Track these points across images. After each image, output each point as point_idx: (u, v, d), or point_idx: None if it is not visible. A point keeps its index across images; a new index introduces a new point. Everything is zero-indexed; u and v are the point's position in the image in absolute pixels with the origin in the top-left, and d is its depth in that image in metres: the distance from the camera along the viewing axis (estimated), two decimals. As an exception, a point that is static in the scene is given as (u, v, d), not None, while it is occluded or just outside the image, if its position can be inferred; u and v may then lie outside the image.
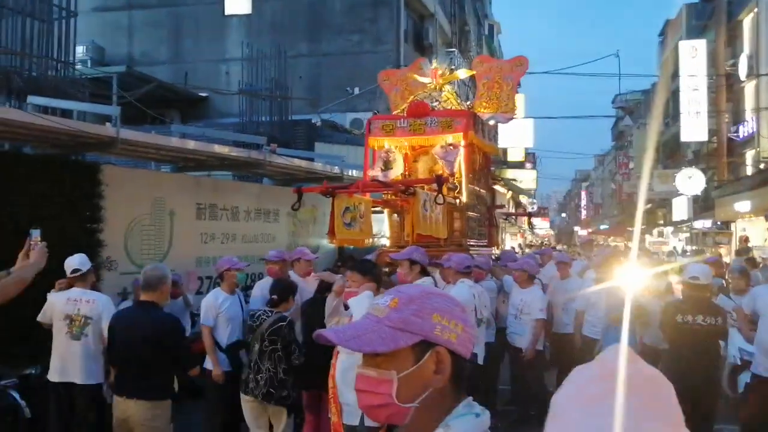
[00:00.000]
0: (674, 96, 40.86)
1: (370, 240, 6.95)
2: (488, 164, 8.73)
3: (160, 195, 9.74)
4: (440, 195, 6.18)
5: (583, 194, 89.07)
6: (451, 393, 1.40)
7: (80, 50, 19.20)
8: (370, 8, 19.67)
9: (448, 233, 7.10)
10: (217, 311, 6.25)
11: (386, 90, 9.10)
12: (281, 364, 5.26)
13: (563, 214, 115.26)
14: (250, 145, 10.12)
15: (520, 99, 37.84)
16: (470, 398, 1.42)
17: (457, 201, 7.35)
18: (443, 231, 6.93)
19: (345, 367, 3.99)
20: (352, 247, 8.86)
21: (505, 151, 36.40)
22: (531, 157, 43.11)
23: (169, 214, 9.99)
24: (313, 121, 16.32)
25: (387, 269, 7.41)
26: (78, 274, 5.52)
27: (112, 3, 21.32)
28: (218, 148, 8.93)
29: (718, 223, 26.70)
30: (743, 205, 22.98)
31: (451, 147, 7.21)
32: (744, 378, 7.00)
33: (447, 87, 7.99)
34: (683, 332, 6.13)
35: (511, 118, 8.47)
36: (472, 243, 7.73)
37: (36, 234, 4.03)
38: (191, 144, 8.57)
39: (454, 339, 1.38)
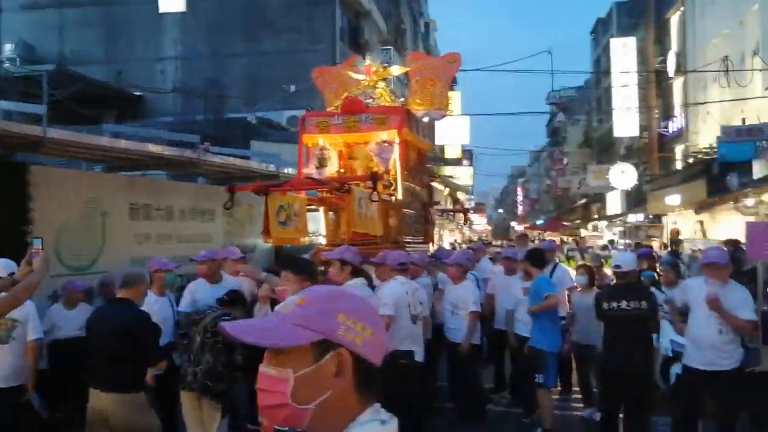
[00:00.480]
0: (607, 93, 42.04)
1: (306, 238, 6.93)
2: (424, 161, 8.81)
3: (92, 195, 9.49)
4: (375, 192, 6.21)
5: (519, 190, 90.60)
6: (356, 399, 1.36)
7: (8, 48, 18.64)
8: (306, 7, 19.61)
9: (384, 231, 7.14)
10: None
11: (320, 87, 9.07)
12: (221, 357, 5.23)
13: (500, 210, 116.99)
14: (185, 144, 9.97)
15: (456, 96, 38.41)
16: (378, 405, 1.39)
17: (393, 198, 7.39)
18: (379, 228, 6.96)
19: None
20: (289, 246, 8.83)
21: (442, 148, 36.78)
22: (468, 154, 43.61)
23: (102, 215, 9.74)
24: (248, 120, 16.17)
25: (323, 268, 7.43)
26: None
27: (42, 1, 20.67)
28: (151, 147, 8.76)
29: (650, 216, 27.52)
30: (674, 199, 23.65)
31: (386, 144, 7.25)
32: (676, 370, 7.17)
33: (381, 84, 8.03)
34: (611, 319, 6.34)
35: (445, 115, 8.58)
36: (408, 240, 7.79)
37: (37, 243, 4.30)
38: (122, 143, 8.39)
39: (359, 342, 1.34)
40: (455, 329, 7.46)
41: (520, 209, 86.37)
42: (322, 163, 7.44)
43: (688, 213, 23.37)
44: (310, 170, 7.36)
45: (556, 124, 64.65)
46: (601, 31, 45.21)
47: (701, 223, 22.78)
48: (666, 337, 7.94)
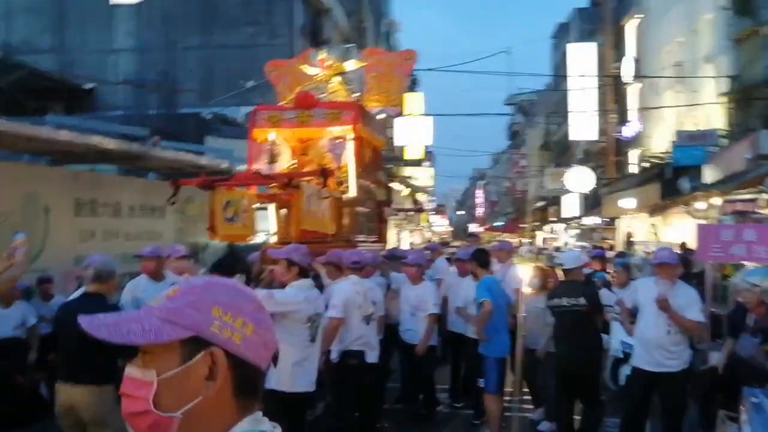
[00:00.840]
0: (566, 97, 42.44)
1: (254, 236, 6.72)
2: (378, 159, 8.66)
3: (33, 189, 9.13)
4: (325, 189, 6.05)
5: (479, 192, 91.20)
6: (233, 406, 1.19)
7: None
8: (265, 1, 19.30)
9: (335, 229, 6.98)
10: None
11: (274, 81, 8.88)
12: None
13: (460, 212, 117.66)
14: (134, 137, 9.65)
15: (418, 97, 38.40)
16: (259, 413, 1.22)
17: (345, 195, 7.23)
18: (330, 226, 6.80)
19: None
20: (243, 244, 8.56)
21: (402, 148, 36.69)
22: (430, 155, 43.61)
23: (44, 210, 9.39)
24: (203, 115, 15.82)
25: (272, 268, 7.22)
26: None
27: (-13, -14, 19.97)
28: (95, 140, 8.43)
29: (606, 219, 27.88)
30: (628, 202, 23.96)
31: (339, 140, 7.10)
32: (626, 371, 7.19)
33: (336, 78, 7.87)
34: (555, 315, 6.45)
35: (400, 112, 8.47)
36: (361, 239, 7.64)
37: (20, 236, 4.35)
38: (65, 135, 8.05)
39: (238, 340, 1.17)
40: (412, 331, 7.32)
41: (479, 211, 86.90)
42: (273, 159, 7.24)
43: (642, 216, 23.70)
44: (261, 166, 7.16)
45: (516, 127, 65.21)
46: (562, 35, 45.66)
47: (654, 225, 23.17)
48: (616, 338, 7.95)
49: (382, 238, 8.79)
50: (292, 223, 7.07)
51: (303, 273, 5.01)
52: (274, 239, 7.44)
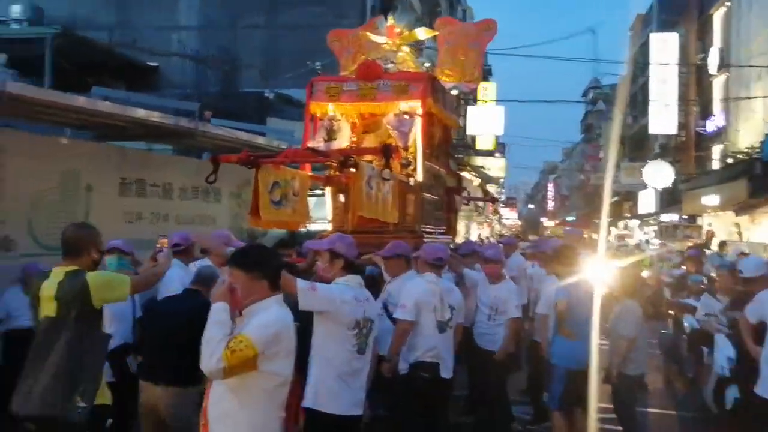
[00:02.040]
0: (643, 89, 40.47)
1: (306, 223, 5.83)
2: (449, 140, 7.66)
3: (74, 166, 8.48)
4: (388, 170, 5.09)
5: (551, 186, 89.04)
6: None
7: (16, 10, 17.68)
8: (332, -22, 18.47)
9: (398, 217, 6.02)
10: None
11: (336, 52, 7.99)
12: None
13: (531, 206, 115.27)
14: (184, 113, 8.90)
15: (491, 87, 37.09)
16: None
17: (411, 180, 6.26)
18: (393, 214, 5.85)
19: (214, 400, 3.00)
20: (305, 230, 7.67)
21: (474, 138, 35.45)
22: (501, 146, 42.22)
23: (86, 189, 8.74)
24: (265, 95, 15.08)
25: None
26: None
27: (55, -38, 19.72)
28: (140, 113, 7.69)
29: (685, 216, 26.24)
30: (711, 199, 22.54)
31: (406, 116, 6.12)
32: (733, 394, 6.14)
33: (405, 48, 6.90)
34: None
35: (475, 89, 7.45)
36: (427, 230, 6.66)
37: (166, 239, 4.82)
38: (103, 105, 7.32)
39: None
40: (490, 336, 6.35)
41: (550, 205, 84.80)
42: (330, 136, 6.34)
43: (725, 214, 22.29)
44: (318, 143, 6.26)
45: (590, 120, 63.09)
46: (639, 27, 43.48)
47: (738, 225, 21.65)
48: (722, 353, 6.75)
49: (450, 230, 7.78)
50: (349, 209, 6.17)
51: (350, 267, 4.08)
52: (329, 228, 6.57)
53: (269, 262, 3.15)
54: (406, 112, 6.16)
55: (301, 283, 3.81)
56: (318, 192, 8.16)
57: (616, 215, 44.23)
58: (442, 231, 7.31)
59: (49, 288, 3.73)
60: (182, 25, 18.16)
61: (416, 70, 6.74)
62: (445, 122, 7.14)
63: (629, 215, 40.97)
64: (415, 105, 6.18)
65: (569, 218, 57.65)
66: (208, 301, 4.18)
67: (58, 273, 3.80)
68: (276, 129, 13.02)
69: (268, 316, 2.99)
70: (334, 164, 6.20)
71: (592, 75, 64.07)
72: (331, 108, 6.51)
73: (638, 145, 42.43)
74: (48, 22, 17.21)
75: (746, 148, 21.56)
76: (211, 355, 2.84)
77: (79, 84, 13.14)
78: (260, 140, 9.95)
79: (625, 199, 42.20)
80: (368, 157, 6.18)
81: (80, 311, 3.68)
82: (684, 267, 10.28)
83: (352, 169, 5.12)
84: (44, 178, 8.00)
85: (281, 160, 5.07)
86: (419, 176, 6.29)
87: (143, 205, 9.69)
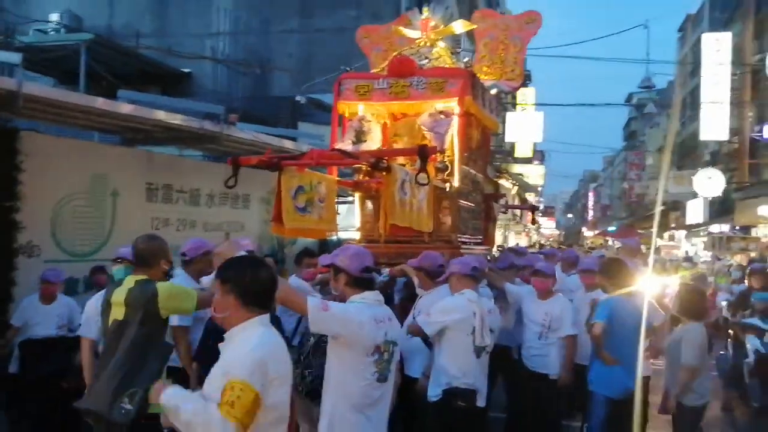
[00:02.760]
0: (692, 94, 39.20)
1: (334, 232, 5.35)
2: (488, 143, 7.11)
3: (101, 171, 8.21)
4: (424, 173, 4.58)
5: (591, 195, 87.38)
6: None
7: (55, 17, 17.72)
8: (369, -19, 18.07)
9: (433, 226, 5.52)
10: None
11: (365, 50, 7.52)
12: None
13: (569, 215, 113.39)
14: (210, 116, 8.53)
15: (530, 92, 36.30)
16: None
17: (448, 185, 5.74)
18: (428, 223, 5.34)
19: None
20: (335, 238, 7.22)
21: (512, 145, 34.71)
22: (539, 154, 41.32)
23: (112, 194, 8.47)
24: (297, 99, 14.72)
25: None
26: None
27: (94, -29, 19.76)
28: (161, 115, 7.34)
29: (736, 227, 25.12)
30: (768, 210, 21.44)
31: (443, 116, 5.60)
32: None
33: (441, 44, 6.39)
34: None
35: (517, 88, 6.89)
36: (464, 239, 6.13)
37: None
38: (125, 108, 6.98)
39: None
40: (541, 357, 5.78)
41: (590, 214, 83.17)
42: (360, 138, 5.85)
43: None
44: (346, 145, 5.78)
45: (634, 126, 61.65)
46: (689, 27, 42.20)
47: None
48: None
49: (488, 240, 7.22)
50: (379, 217, 5.69)
51: (360, 283, 3.57)
52: (358, 237, 6.10)
53: (242, 275, 2.72)
54: (442, 112, 5.64)
55: (311, 302, 3.33)
56: (349, 199, 7.71)
57: (662, 226, 42.93)
58: (479, 241, 6.77)
59: (119, 294, 3.84)
60: (216, 31, 17.95)
61: (453, 66, 6.23)
62: (485, 123, 6.60)
63: (675, 226, 39.64)
64: (453, 104, 5.66)
65: (610, 229, 56.27)
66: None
67: (129, 281, 3.92)
68: (306, 133, 12.64)
69: (244, 344, 2.55)
70: (364, 167, 5.77)
71: (637, 78, 62.67)
72: (360, 108, 6.03)
73: (687, 153, 41.13)
74: (86, 30, 17.20)
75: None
76: (208, 426, 2.42)
77: (113, 91, 13.01)
78: (288, 144, 9.56)
79: (672, 208, 40.89)
80: (401, 160, 5.70)
81: (146, 317, 3.75)
82: (746, 282, 9.53)
83: (384, 173, 4.62)
84: (69, 182, 7.75)
85: (305, 162, 4.59)
86: (456, 182, 5.76)
87: (170, 211, 9.41)
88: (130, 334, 3.72)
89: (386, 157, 4.58)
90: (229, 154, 10.70)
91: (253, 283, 2.72)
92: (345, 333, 3.36)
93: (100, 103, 6.69)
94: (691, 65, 37.67)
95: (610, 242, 47.37)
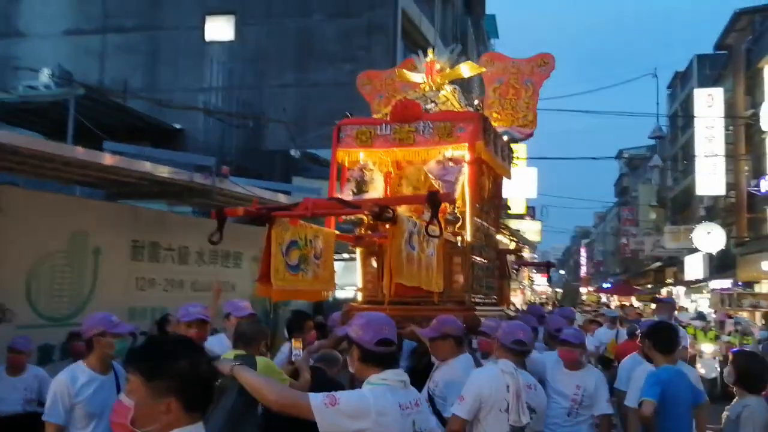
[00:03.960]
0: (684, 149, 39.28)
1: (330, 292, 4.78)
2: (500, 193, 6.63)
3: (82, 227, 7.66)
4: (435, 224, 4.05)
5: (583, 251, 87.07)
6: None
7: (45, 73, 17.43)
8: (364, 36, 17.90)
9: (444, 285, 4.96)
10: (73, 401, 4.00)
11: (367, 97, 7.10)
12: None
13: (561, 271, 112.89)
14: (201, 169, 8.05)
15: (520, 148, 36.10)
16: None
17: (459, 239, 5.21)
18: (438, 281, 4.78)
19: None
20: (331, 298, 6.65)
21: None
22: (531, 210, 40.94)
23: (94, 252, 7.90)
24: (291, 153, 14.31)
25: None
26: None
27: (85, 26, 19.60)
28: (147, 166, 6.83)
29: (739, 283, 24.63)
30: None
31: (452, 162, 5.12)
32: None
33: (447, 88, 5.96)
34: None
35: (530, 135, 6.44)
36: (478, 300, 5.56)
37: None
38: (108, 159, 6.48)
39: None
40: None
41: (583, 271, 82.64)
42: (361, 188, 5.35)
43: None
44: (345, 197, 5.26)
45: (625, 183, 61.74)
46: (679, 84, 42.59)
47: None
48: None
49: (503, 299, 6.65)
50: (384, 274, 5.14)
51: (385, 360, 2.96)
52: (359, 298, 5.53)
53: (174, 365, 1.94)
54: (451, 159, 5.15)
55: (313, 400, 2.73)
56: (344, 256, 7.17)
57: (659, 282, 42.45)
58: (493, 301, 6.20)
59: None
60: (210, 86, 17.67)
61: (462, 110, 5.78)
62: (497, 172, 6.12)
63: (673, 282, 39.13)
64: (463, 149, 5.17)
65: (605, 285, 55.61)
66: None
67: (229, 354, 4.09)
68: (301, 187, 12.18)
69: None
70: (366, 219, 5.25)
71: (627, 133, 63.07)
72: (361, 156, 5.55)
73: (681, 208, 40.96)
74: (77, 86, 16.89)
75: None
76: None
77: (101, 146, 12.58)
78: (283, 199, 9.06)
79: (668, 264, 40.48)
80: (404, 211, 5.18)
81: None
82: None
83: (389, 224, 4.08)
84: (47, 239, 7.19)
85: (300, 213, 4.05)
86: (468, 236, 5.23)
87: (157, 271, 8.82)
88: (228, 401, 3.67)
89: (391, 206, 4.03)
90: (213, 207, 10.22)
91: (195, 377, 1.98)
92: (363, 427, 2.73)
93: (80, 153, 6.17)
94: (683, 120, 37.81)
95: (603, 299, 46.78)
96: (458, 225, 5.19)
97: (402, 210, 5.02)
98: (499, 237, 6.94)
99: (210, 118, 14.28)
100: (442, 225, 4.63)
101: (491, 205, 6.09)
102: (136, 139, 15.57)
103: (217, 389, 3.28)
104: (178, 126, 16.91)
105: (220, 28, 18.44)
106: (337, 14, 18.15)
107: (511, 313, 6.69)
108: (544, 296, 47.18)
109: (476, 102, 5.69)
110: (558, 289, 52.37)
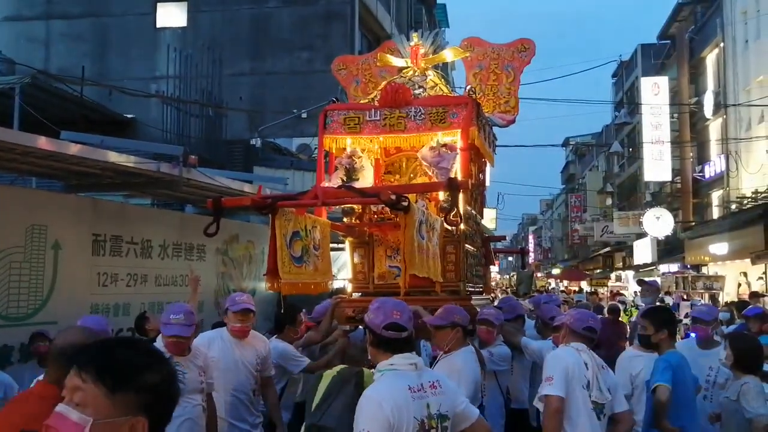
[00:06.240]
0: (630, 137, 40.09)
1: (329, 283, 4.59)
2: (485, 179, 6.50)
3: (40, 221, 7.25)
4: (455, 214, 3.90)
5: (531, 238, 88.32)
6: None
7: (-17, 60, 16.62)
8: (322, 23, 17.61)
9: (441, 275, 4.80)
10: None
11: (343, 83, 6.85)
12: None
13: (510, 258, 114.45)
14: (165, 158, 7.69)
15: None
16: None
17: (455, 229, 5.05)
18: (438, 271, 4.63)
19: None
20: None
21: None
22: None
23: (53, 247, 7.49)
24: (252, 142, 13.94)
25: (348, 327, 5.09)
26: None
27: (27, 12, 18.74)
28: (112, 156, 6.47)
29: (688, 266, 25.26)
30: (719, 248, 21.55)
31: (446, 149, 4.96)
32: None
33: (431, 72, 5.79)
34: None
35: (512, 121, 6.31)
36: (470, 288, 5.43)
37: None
38: (72, 149, 6.11)
39: None
40: None
41: (531, 258, 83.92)
42: (350, 176, 5.14)
43: (733, 264, 21.31)
44: (335, 185, 5.05)
45: (572, 170, 62.82)
46: (623, 73, 43.41)
47: (745, 274, 20.71)
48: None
49: (487, 288, 6.55)
50: (377, 265, 4.98)
51: (394, 345, 2.84)
52: (350, 287, 5.35)
53: (148, 375, 1.56)
54: (445, 145, 4.99)
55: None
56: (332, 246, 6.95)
57: (608, 266, 43.30)
58: (480, 290, 6.09)
59: None
60: (163, 74, 17.10)
61: (452, 95, 5.62)
62: (484, 158, 6.00)
63: (622, 266, 39.96)
64: (456, 135, 5.02)
65: (554, 271, 56.50)
66: None
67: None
68: (264, 177, 11.87)
69: None
70: (356, 208, 5.07)
71: (574, 122, 64.22)
72: (349, 142, 5.34)
73: (628, 194, 41.81)
74: (20, 72, 16.11)
75: (752, 193, 20.72)
76: None
77: (50, 136, 11.98)
78: (247, 189, 8.77)
79: (617, 249, 41.31)
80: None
81: None
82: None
83: (403, 213, 3.88)
84: (3, 235, 6.77)
85: (309, 203, 3.84)
86: (461, 224, 5.08)
87: (119, 265, 8.44)
88: (349, 391, 3.44)
89: (407, 193, 3.85)
90: (184, 200, 9.84)
91: (167, 395, 1.62)
92: (375, 428, 2.63)
93: (42, 143, 5.78)
94: (628, 108, 38.54)
95: (552, 284, 47.48)
96: (453, 214, 5.03)
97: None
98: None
99: (167, 106, 13.75)
100: (454, 217, 4.46)
101: (478, 193, 5.97)
102: (85, 129, 14.97)
103: (338, 378, 3.29)
104: (130, 116, 16.35)
105: (171, 15, 17.89)
106: (293, 1, 17.81)
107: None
108: (493, 282, 47.61)
109: (468, 87, 5.52)
110: (507, 276, 52.97)
